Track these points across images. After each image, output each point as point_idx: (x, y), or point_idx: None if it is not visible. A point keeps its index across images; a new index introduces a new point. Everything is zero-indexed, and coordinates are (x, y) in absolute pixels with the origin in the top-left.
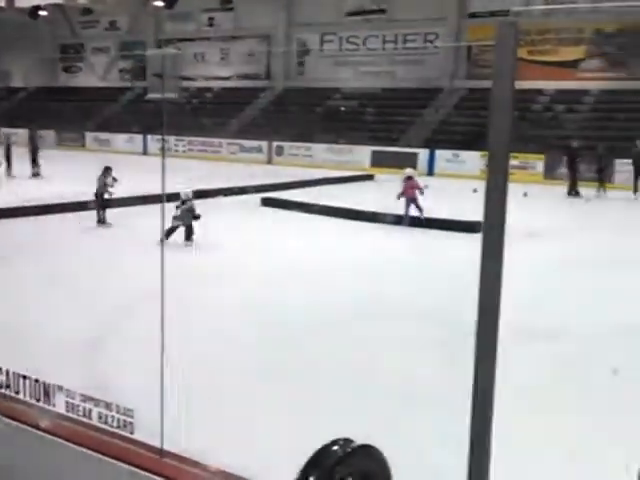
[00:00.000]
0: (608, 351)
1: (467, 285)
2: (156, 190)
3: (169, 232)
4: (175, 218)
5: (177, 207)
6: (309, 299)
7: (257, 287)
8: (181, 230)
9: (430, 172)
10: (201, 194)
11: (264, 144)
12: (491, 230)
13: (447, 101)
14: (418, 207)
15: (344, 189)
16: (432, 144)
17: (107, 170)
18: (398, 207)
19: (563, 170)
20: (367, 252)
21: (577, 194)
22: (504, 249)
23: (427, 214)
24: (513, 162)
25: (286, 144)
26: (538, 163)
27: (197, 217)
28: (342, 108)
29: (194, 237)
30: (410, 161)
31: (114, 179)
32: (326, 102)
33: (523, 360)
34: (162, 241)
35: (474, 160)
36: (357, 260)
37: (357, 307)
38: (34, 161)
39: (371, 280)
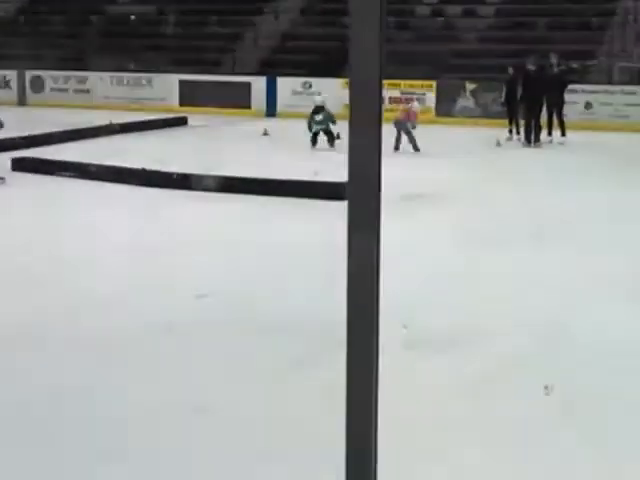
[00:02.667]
0: (536, 364)
1: (328, 276)
2: None
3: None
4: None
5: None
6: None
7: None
8: None
9: (271, 111)
10: None
11: (12, 75)
12: (360, 194)
13: (290, 2)
14: None
15: (142, 141)
16: (271, 69)
17: None
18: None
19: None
20: (176, 230)
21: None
22: (380, 220)
23: (264, 173)
24: (391, 93)
25: (47, 74)
26: (428, 95)
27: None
28: (132, 16)
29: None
30: (239, 95)
31: None
32: (106, 7)
33: (417, 383)
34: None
35: (334, 91)
36: (163, 243)
37: (162, 310)
38: None
39: (181, 275)
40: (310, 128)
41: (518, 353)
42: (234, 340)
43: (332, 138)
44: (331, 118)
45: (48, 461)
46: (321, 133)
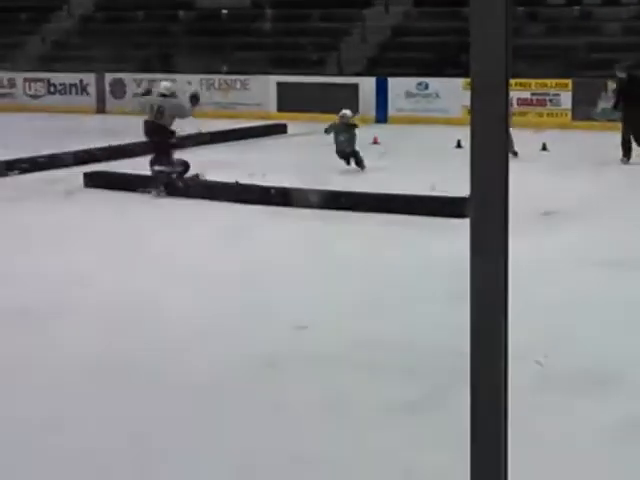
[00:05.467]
0: None
1: (447, 305)
2: None
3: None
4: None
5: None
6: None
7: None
8: None
9: (381, 116)
10: None
11: (90, 79)
12: (484, 210)
13: None
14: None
15: (236, 151)
16: (380, 69)
17: None
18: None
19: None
20: (274, 253)
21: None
22: (508, 241)
23: (382, 188)
24: (519, 94)
25: (128, 77)
26: (563, 95)
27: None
28: (224, 11)
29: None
30: (345, 99)
31: None
32: (194, 1)
33: (554, 431)
34: None
35: (454, 93)
36: (259, 267)
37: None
38: None
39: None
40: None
41: None
42: (336, 378)
43: (360, 161)
44: (353, 137)
45: None
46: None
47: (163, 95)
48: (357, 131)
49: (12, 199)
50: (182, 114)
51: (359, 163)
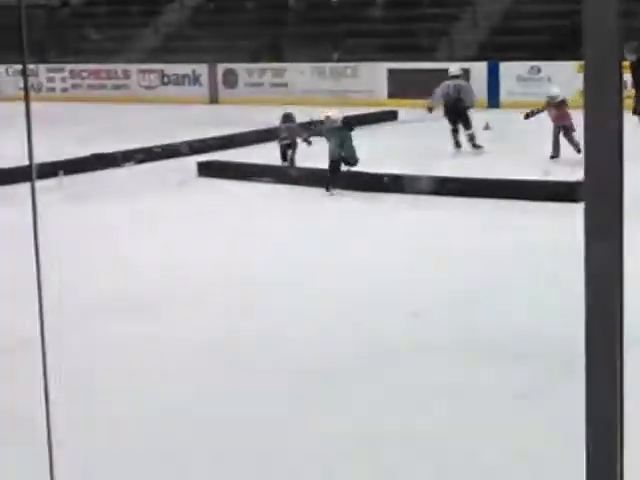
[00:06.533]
0: None
1: (565, 293)
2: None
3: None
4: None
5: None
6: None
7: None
8: None
9: (493, 102)
10: (97, 161)
11: (203, 69)
12: (598, 195)
13: None
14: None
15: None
16: (492, 53)
17: None
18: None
19: None
20: (387, 239)
21: None
22: (623, 226)
23: (493, 173)
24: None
25: (240, 67)
26: None
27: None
28: None
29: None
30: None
31: None
32: None
33: None
34: None
35: (566, 76)
36: (372, 255)
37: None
38: None
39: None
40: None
41: None
42: (448, 364)
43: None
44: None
45: None
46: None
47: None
48: (352, 133)
49: (128, 190)
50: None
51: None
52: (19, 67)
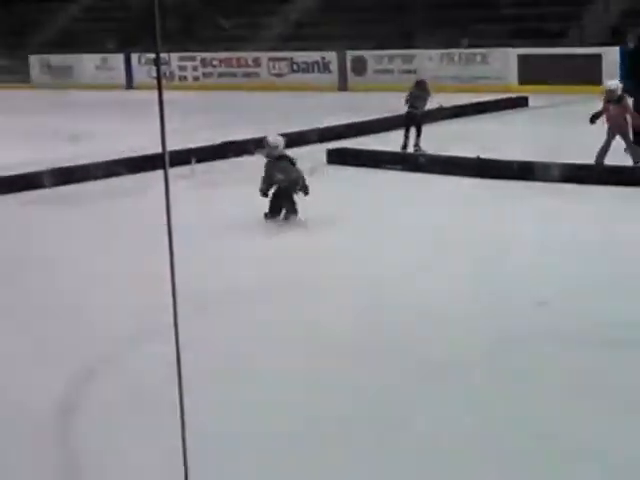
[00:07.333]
0: None
1: None
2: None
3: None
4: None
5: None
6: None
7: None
8: None
9: (627, 87)
10: (226, 149)
11: (332, 56)
12: None
13: None
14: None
15: (476, 126)
16: (624, 38)
17: None
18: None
19: None
20: (516, 228)
21: None
22: None
23: (627, 160)
24: None
25: (369, 54)
26: None
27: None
28: None
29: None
30: (587, 70)
31: None
32: None
33: None
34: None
35: None
36: (502, 242)
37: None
38: None
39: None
40: None
41: None
42: (575, 354)
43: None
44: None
45: None
46: None
47: None
48: (298, 165)
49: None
50: None
51: (290, 211)
52: (151, 56)
